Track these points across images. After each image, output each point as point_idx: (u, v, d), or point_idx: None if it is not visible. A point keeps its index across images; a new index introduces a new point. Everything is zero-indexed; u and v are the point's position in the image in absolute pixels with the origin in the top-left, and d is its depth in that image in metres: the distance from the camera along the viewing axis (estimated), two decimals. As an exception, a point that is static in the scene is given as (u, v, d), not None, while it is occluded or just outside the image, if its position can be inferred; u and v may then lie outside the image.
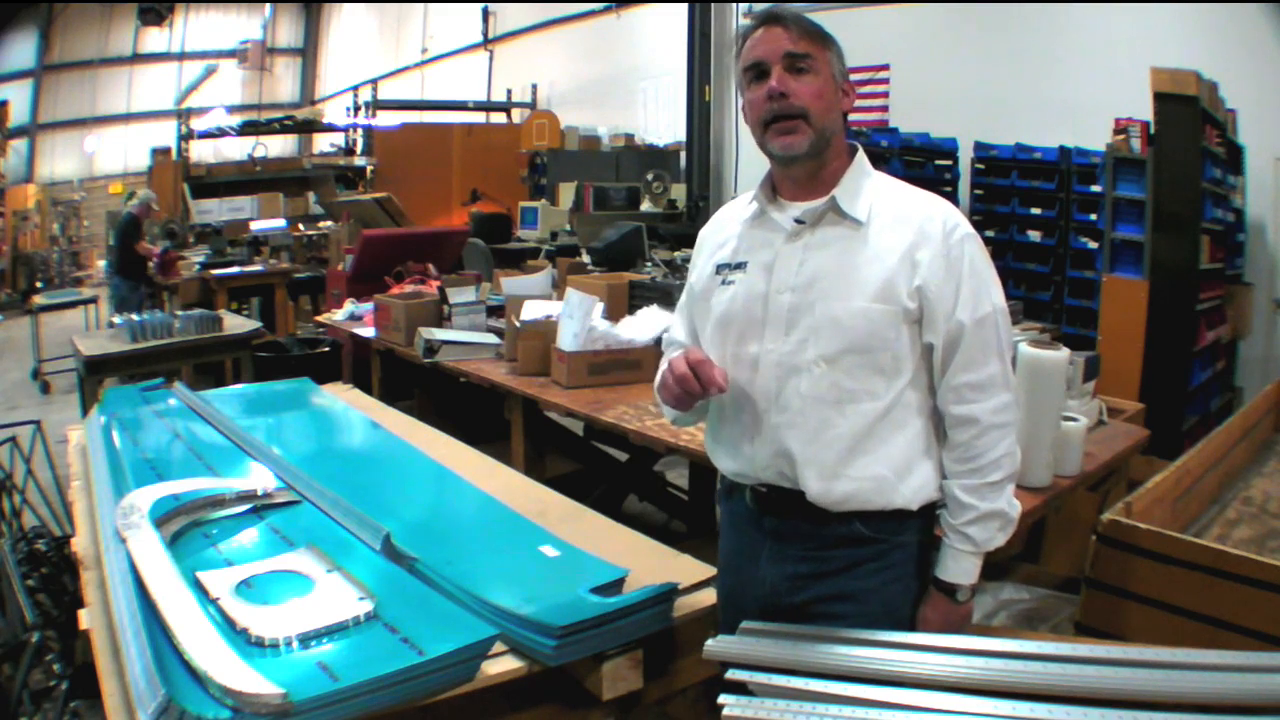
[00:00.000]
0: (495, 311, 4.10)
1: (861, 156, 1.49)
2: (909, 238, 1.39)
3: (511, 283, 4.26)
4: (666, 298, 3.85)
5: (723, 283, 1.52)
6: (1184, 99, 4.21)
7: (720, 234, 1.58)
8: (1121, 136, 4.54)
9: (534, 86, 11.83)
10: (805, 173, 1.46)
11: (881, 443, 1.41)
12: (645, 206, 8.25)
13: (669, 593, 1.52)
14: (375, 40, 16.73)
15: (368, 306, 4.57)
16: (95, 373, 4.64)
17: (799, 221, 1.45)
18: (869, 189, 1.45)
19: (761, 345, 1.45)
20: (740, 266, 1.50)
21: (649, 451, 3.14)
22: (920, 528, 1.48)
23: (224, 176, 12.40)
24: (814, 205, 1.45)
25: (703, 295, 1.57)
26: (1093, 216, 5.37)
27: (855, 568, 1.45)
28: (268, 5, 18.29)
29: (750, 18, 1.49)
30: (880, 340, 1.39)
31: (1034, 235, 5.89)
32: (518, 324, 3.51)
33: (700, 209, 8.23)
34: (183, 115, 13.15)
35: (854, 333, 1.38)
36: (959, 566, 1.44)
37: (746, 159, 8.15)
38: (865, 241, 1.41)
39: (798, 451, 1.42)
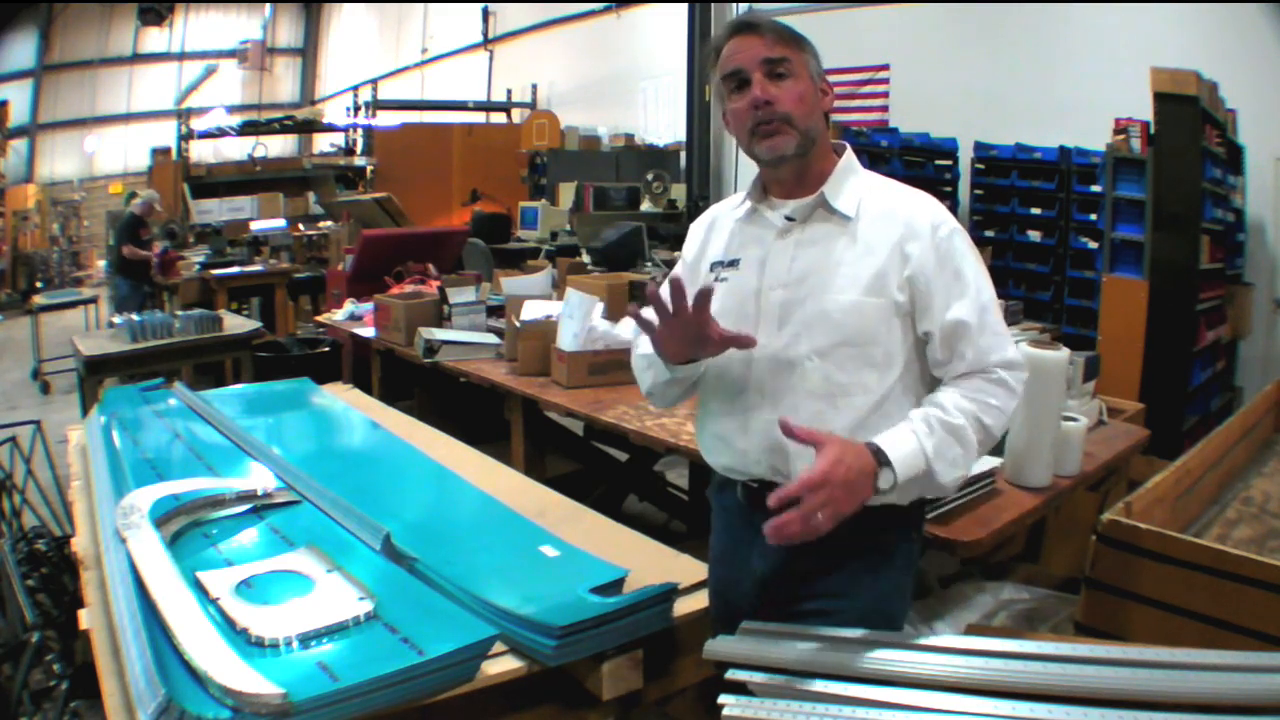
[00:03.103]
0: (495, 311, 4.10)
1: (850, 156, 1.51)
2: (898, 231, 1.41)
3: (511, 283, 4.26)
4: (666, 298, 3.84)
5: (716, 280, 1.53)
6: (1184, 99, 4.21)
7: (712, 228, 1.60)
8: (1121, 136, 4.54)
9: (534, 86, 11.82)
10: (792, 174, 1.48)
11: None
12: (645, 206, 8.24)
13: (669, 593, 1.53)
14: (375, 40, 16.73)
15: (368, 306, 4.56)
16: (95, 373, 4.64)
17: (789, 219, 1.47)
18: (857, 186, 1.47)
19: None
20: (733, 264, 1.52)
21: (649, 451, 3.14)
22: (910, 523, 1.48)
23: (224, 176, 12.42)
24: (804, 202, 1.47)
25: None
26: (1093, 216, 5.37)
27: (845, 564, 1.45)
28: (268, 5, 18.28)
29: (724, 26, 1.50)
30: (871, 334, 1.40)
31: (1034, 235, 5.89)
32: (518, 324, 3.51)
33: (700, 209, 8.18)
34: (183, 115, 13.17)
35: (845, 326, 1.40)
36: (900, 443, 1.32)
37: (746, 159, 8.10)
38: (854, 236, 1.43)
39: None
